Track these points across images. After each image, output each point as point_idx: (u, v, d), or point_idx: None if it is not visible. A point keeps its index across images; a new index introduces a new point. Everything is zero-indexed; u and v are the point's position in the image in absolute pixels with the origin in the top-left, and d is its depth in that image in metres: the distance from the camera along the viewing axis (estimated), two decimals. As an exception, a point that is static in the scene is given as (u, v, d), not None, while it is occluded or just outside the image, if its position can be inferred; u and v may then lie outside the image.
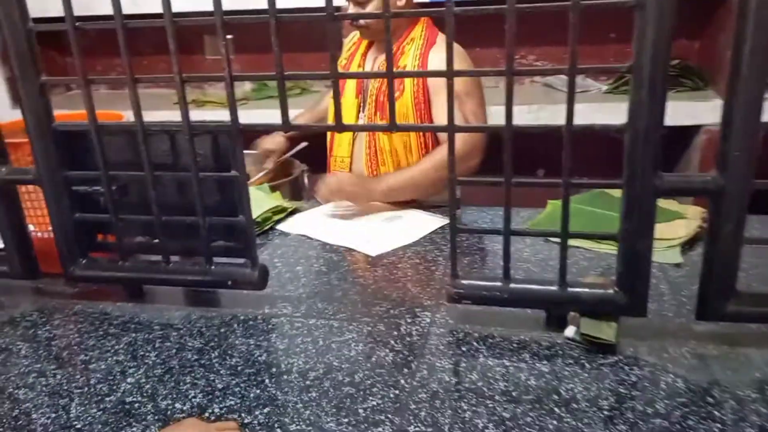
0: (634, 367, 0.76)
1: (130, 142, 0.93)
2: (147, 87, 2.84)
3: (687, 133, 2.35)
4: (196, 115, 0.93)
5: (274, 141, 1.68)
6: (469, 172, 1.39)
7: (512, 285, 0.84)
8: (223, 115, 0.86)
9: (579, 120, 0.78)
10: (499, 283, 0.84)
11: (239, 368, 0.80)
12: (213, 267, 0.94)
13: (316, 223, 1.28)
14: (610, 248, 1.10)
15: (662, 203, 1.18)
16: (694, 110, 2.13)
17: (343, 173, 1.42)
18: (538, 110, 2.22)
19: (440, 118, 1.39)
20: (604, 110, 2.14)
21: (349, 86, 1.51)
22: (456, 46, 1.37)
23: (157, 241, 0.95)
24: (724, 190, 0.73)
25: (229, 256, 0.97)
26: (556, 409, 0.70)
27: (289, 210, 1.34)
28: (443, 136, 1.38)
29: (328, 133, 1.57)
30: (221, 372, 0.79)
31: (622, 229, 0.78)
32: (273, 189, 1.44)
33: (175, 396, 0.74)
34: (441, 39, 1.43)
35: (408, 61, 1.42)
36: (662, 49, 0.69)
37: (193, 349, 0.84)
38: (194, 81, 0.84)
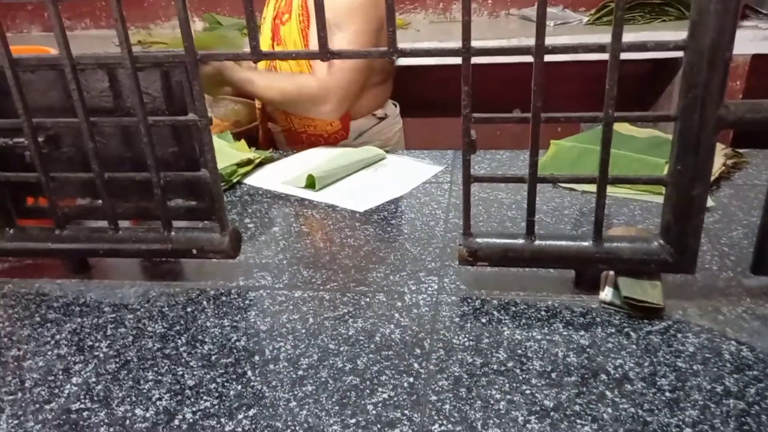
0: (688, 335, 0.65)
1: (57, 81, 0.75)
2: (87, 28, 2.55)
3: (671, 65, 2.24)
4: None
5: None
6: (317, 116, 1.31)
7: (538, 242, 0.70)
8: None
9: (561, 55, 0.63)
10: (521, 241, 0.71)
11: (213, 358, 0.65)
12: (173, 233, 0.77)
13: (291, 176, 1.11)
14: (627, 192, 0.97)
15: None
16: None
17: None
18: (518, 44, 2.06)
19: (313, 46, 1.27)
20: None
21: (266, 26, 1.40)
22: None
23: (100, 202, 0.78)
24: (803, 120, 0.60)
25: (191, 219, 0.81)
26: (608, 393, 0.57)
27: (257, 161, 1.17)
28: (317, 65, 1.28)
29: None
30: (191, 364, 0.64)
31: (674, 171, 0.64)
32: (237, 137, 1.26)
33: (134, 399, 0.59)
34: None
35: None
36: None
37: (154, 335, 0.69)
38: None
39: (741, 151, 1.09)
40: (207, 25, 2.41)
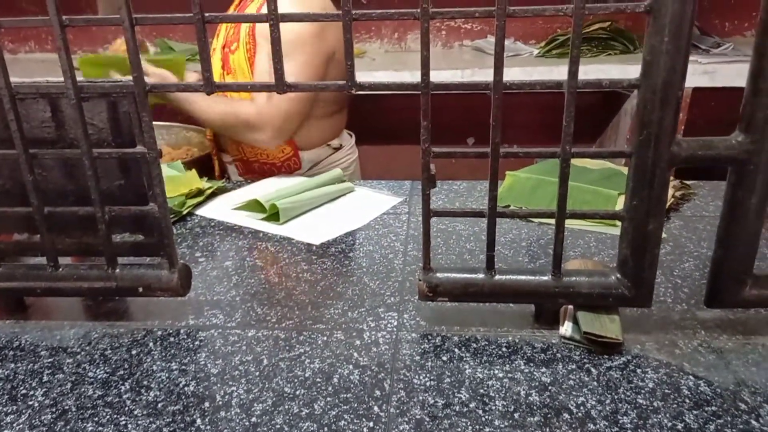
0: (647, 370, 0.65)
1: (-6, 110, 0.70)
2: (31, 51, 2.47)
3: (617, 97, 2.31)
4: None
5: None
6: (253, 144, 1.30)
7: (498, 277, 0.70)
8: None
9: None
10: (481, 275, 0.70)
11: (159, 405, 0.61)
12: (117, 270, 0.73)
13: (240, 203, 1.08)
14: (583, 224, 0.98)
15: (624, 169, 1.08)
16: (624, 74, 2.09)
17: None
18: (471, 75, 2.10)
19: (258, 74, 1.26)
20: (538, 74, 2.06)
21: (216, 55, 1.36)
22: None
23: (39, 238, 0.73)
24: (751, 158, 0.61)
25: (138, 255, 0.77)
26: (571, 433, 0.56)
27: (209, 192, 1.14)
28: (258, 93, 1.27)
29: None
30: (135, 412, 0.60)
31: (630, 206, 0.65)
32: (188, 167, 1.23)
33: (71, 454, 0.55)
34: None
35: (252, 7, 1.28)
36: (693, -17, 0.55)
37: (95, 381, 0.64)
38: (78, 23, 0.62)
39: (688, 182, 1.13)
40: (159, 50, 2.36)
